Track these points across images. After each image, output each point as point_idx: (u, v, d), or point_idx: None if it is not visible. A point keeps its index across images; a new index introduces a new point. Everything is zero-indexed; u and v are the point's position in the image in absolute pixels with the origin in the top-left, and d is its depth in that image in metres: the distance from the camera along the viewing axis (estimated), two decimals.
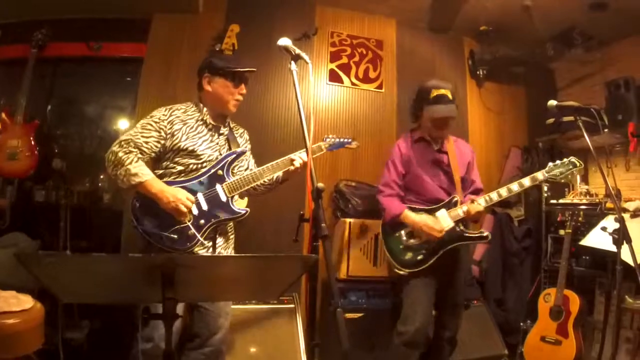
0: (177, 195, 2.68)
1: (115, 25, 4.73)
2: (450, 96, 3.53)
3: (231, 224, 3.06)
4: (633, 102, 4.48)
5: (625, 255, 3.01)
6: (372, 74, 5.30)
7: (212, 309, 2.91)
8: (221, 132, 3.04)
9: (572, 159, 3.50)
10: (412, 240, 3.50)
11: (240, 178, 2.92)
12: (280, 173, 3.08)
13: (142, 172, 2.67)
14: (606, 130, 4.63)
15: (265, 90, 4.84)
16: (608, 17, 4.72)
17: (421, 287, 3.46)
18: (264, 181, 3.06)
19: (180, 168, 2.84)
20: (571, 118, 4.38)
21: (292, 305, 4.12)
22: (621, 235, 3.03)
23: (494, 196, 3.48)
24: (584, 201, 4.85)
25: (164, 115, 2.85)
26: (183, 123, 2.88)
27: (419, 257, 3.46)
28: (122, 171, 2.65)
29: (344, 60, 5.24)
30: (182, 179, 2.83)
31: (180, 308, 2.62)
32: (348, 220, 4.41)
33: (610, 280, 4.11)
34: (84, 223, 4.40)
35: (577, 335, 4.07)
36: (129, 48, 4.71)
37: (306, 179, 2.20)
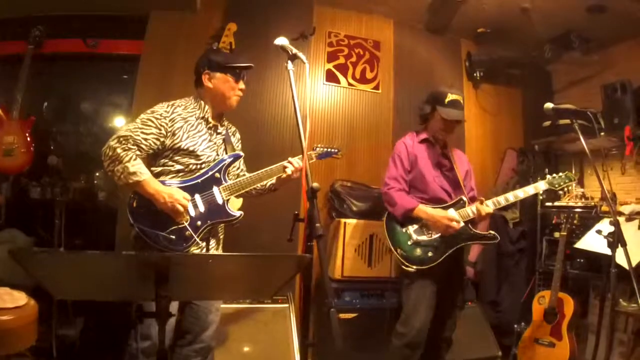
0: (173, 195, 2.67)
1: (113, 23, 4.72)
2: (462, 102, 3.67)
3: (222, 226, 3.06)
4: (629, 105, 4.47)
5: (620, 258, 3.02)
6: (369, 75, 5.30)
7: (203, 305, 2.92)
8: (219, 131, 3.04)
9: (568, 174, 3.71)
10: (421, 237, 3.52)
11: (236, 182, 2.94)
12: (273, 180, 3.11)
13: (140, 171, 2.64)
14: (602, 133, 4.63)
15: (261, 89, 4.84)
16: (606, 20, 4.73)
17: (422, 288, 3.48)
18: (257, 186, 3.09)
19: (179, 167, 2.83)
20: (567, 121, 4.39)
21: (286, 305, 4.12)
22: (616, 239, 3.03)
23: (502, 200, 3.57)
24: (580, 204, 4.86)
25: (165, 112, 2.83)
26: (184, 121, 2.86)
27: (430, 254, 3.48)
28: (120, 168, 2.63)
29: (341, 60, 5.25)
30: (180, 178, 2.83)
31: (174, 306, 2.62)
32: (343, 220, 4.41)
33: (605, 283, 4.12)
34: (79, 220, 4.39)
35: (571, 338, 4.08)
36: (126, 45, 4.70)
37: (301, 179, 2.20)
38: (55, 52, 4.59)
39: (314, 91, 5.08)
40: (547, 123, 5.22)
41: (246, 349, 3.84)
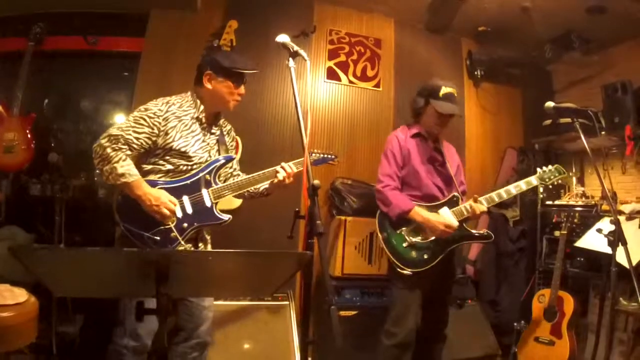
0: (160, 199, 2.65)
1: (113, 20, 4.72)
2: (456, 94, 3.55)
3: (209, 230, 3.03)
4: (630, 105, 4.47)
5: (620, 257, 3.02)
6: (370, 73, 5.30)
7: (196, 302, 2.90)
8: (213, 131, 3.00)
9: (558, 167, 3.65)
10: (416, 239, 3.43)
11: (226, 185, 2.91)
12: (266, 184, 3.05)
13: (129, 173, 2.62)
14: (603, 132, 4.63)
15: (262, 86, 4.85)
16: (606, 21, 4.73)
17: (414, 289, 3.43)
18: (250, 189, 3.06)
19: (169, 167, 2.79)
20: (568, 120, 4.39)
21: (286, 302, 4.13)
22: (617, 237, 3.03)
23: (495, 197, 3.49)
24: (580, 203, 4.86)
25: (159, 110, 2.78)
26: (178, 120, 2.82)
27: (425, 256, 3.41)
28: (109, 168, 2.61)
29: (342, 58, 5.25)
30: (170, 179, 2.79)
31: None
32: (344, 218, 4.42)
33: (605, 282, 4.11)
34: (79, 217, 4.38)
35: (571, 336, 4.08)
36: (126, 43, 4.69)
37: (302, 176, 2.20)
38: (56, 49, 4.58)
39: (315, 89, 5.09)
40: (548, 122, 5.22)
41: (246, 346, 3.84)
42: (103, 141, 2.65)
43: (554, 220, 5.04)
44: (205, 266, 1.87)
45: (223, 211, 4.23)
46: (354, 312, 4.26)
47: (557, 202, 5.05)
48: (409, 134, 3.66)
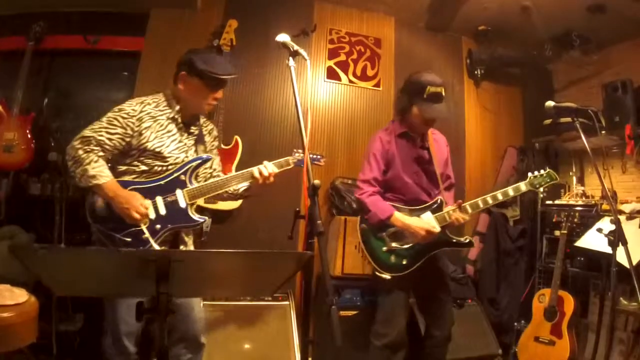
0: (131, 202, 2.60)
1: (113, 19, 4.72)
2: (443, 93, 3.36)
3: (189, 230, 2.97)
4: (630, 104, 4.47)
5: (621, 257, 3.02)
6: (370, 72, 5.30)
7: (185, 302, 2.83)
8: (191, 131, 2.94)
9: (550, 171, 3.48)
10: (396, 244, 3.36)
11: (201, 186, 2.84)
12: (246, 184, 2.97)
13: (99, 175, 2.59)
14: (603, 132, 4.62)
15: (262, 86, 4.85)
16: (606, 20, 4.73)
17: (400, 288, 3.38)
18: (229, 190, 2.97)
19: (144, 168, 2.75)
20: (568, 119, 4.37)
21: (286, 302, 4.13)
22: (617, 237, 3.03)
23: (480, 203, 3.38)
24: (580, 202, 4.86)
25: (133, 110, 2.75)
26: (153, 120, 2.77)
27: (404, 262, 3.35)
28: (80, 171, 2.59)
29: (342, 57, 5.25)
30: (144, 179, 2.75)
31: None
32: (344, 217, 4.41)
33: (605, 282, 4.12)
34: (79, 217, 4.38)
35: (571, 336, 4.08)
36: (126, 42, 4.69)
37: (302, 176, 2.20)
38: (56, 48, 4.58)
39: (315, 88, 5.09)
40: (548, 121, 5.21)
41: (246, 346, 3.84)
42: (75, 143, 2.64)
43: (554, 220, 5.03)
44: (206, 266, 1.87)
45: (223, 211, 4.24)
46: (354, 312, 4.25)
47: (557, 202, 5.05)
48: (394, 133, 3.52)
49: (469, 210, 3.37)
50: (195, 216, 2.82)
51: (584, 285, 4.76)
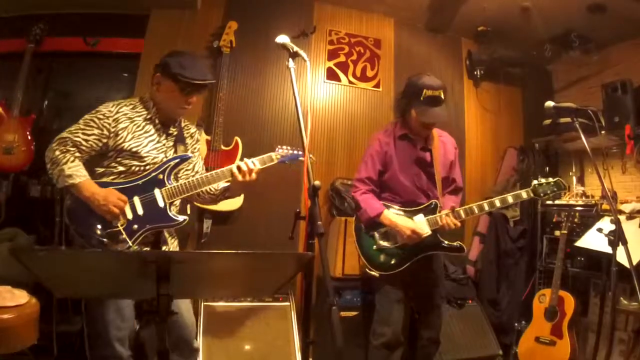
0: (107, 198, 2.57)
1: (113, 21, 4.72)
2: (442, 96, 3.35)
3: (172, 231, 2.93)
4: (630, 104, 4.47)
5: (621, 256, 3.02)
6: (369, 73, 5.31)
7: (174, 307, 2.81)
8: (170, 132, 2.90)
9: (559, 180, 3.45)
10: (386, 243, 3.39)
11: (180, 184, 2.78)
12: (225, 183, 2.93)
13: (76, 174, 2.57)
14: (603, 132, 4.63)
15: (262, 87, 4.85)
16: (606, 20, 4.74)
17: (395, 288, 3.39)
18: (209, 190, 2.95)
19: (121, 169, 2.72)
20: (568, 119, 4.38)
21: (287, 303, 4.13)
22: (617, 237, 3.03)
23: (475, 209, 3.37)
24: (580, 202, 4.86)
25: (109, 111, 2.72)
26: (130, 121, 2.75)
27: (392, 262, 3.36)
28: (57, 171, 2.57)
29: (342, 58, 5.25)
30: (122, 180, 2.71)
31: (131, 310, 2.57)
32: (344, 218, 4.41)
33: (605, 282, 4.11)
34: None
35: (572, 336, 4.07)
36: (126, 43, 4.69)
37: (303, 177, 2.20)
38: (55, 50, 4.58)
39: (315, 89, 5.09)
40: (548, 121, 5.22)
41: (247, 347, 3.84)
42: (53, 145, 2.64)
43: (554, 220, 5.03)
44: (206, 267, 1.87)
45: (224, 212, 4.24)
46: (354, 313, 4.26)
47: (557, 202, 5.05)
48: (395, 134, 3.54)
49: (462, 216, 3.36)
50: (175, 215, 2.78)
51: (584, 285, 4.76)
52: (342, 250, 4.30)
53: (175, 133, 2.93)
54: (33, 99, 4.48)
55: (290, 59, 2.43)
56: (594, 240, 4.13)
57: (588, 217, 4.63)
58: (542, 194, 3.41)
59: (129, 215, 2.65)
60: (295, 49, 2.43)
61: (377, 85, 5.32)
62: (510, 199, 3.39)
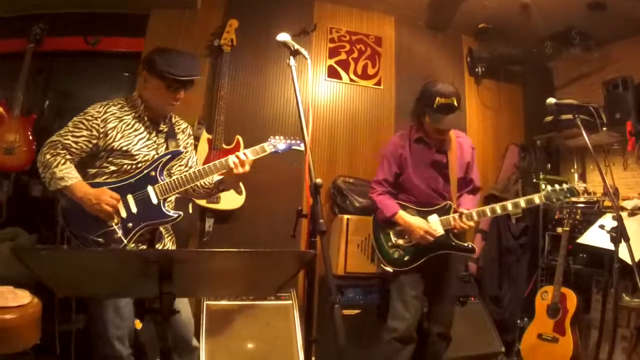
0: (100, 197, 2.56)
1: (113, 20, 4.72)
2: (455, 103, 3.40)
3: (168, 228, 2.93)
4: (631, 101, 4.47)
5: (623, 253, 3.01)
6: (370, 71, 5.30)
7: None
8: (160, 129, 2.90)
9: (572, 186, 3.46)
10: (400, 241, 3.54)
11: (172, 180, 2.78)
12: (219, 177, 2.93)
13: (67, 176, 2.58)
14: (604, 128, 4.62)
15: (263, 85, 4.85)
16: (607, 17, 4.73)
17: (410, 283, 3.49)
18: (204, 184, 2.94)
19: (113, 168, 2.72)
20: (569, 116, 4.38)
21: (289, 302, 4.13)
22: (619, 234, 3.03)
23: (488, 212, 3.48)
24: (582, 199, 4.85)
25: (97, 112, 2.73)
26: (119, 120, 2.76)
27: (406, 258, 3.50)
28: (49, 174, 2.58)
29: (343, 56, 5.25)
30: (114, 179, 2.71)
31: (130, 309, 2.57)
32: (346, 216, 4.41)
33: (607, 279, 4.10)
34: None
35: (574, 333, 4.08)
36: (126, 43, 4.69)
37: (304, 175, 2.19)
38: (56, 50, 4.58)
39: (316, 87, 5.09)
40: (549, 118, 5.22)
41: (250, 345, 3.85)
42: (43, 149, 2.67)
43: (556, 217, 5.02)
44: (208, 265, 1.87)
45: (225, 211, 4.24)
46: (357, 311, 4.26)
47: None
48: (411, 138, 3.65)
49: (475, 218, 3.46)
50: (170, 211, 2.77)
51: (586, 282, 4.74)
52: (344, 248, 4.31)
53: (165, 129, 2.93)
54: (34, 99, 4.48)
55: (291, 57, 2.43)
56: (596, 237, 4.12)
57: (590, 214, 4.62)
58: (554, 200, 3.46)
59: (123, 214, 2.66)
60: (296, 46, 2.43)
61: (378, 83, 5.32)
62: (522, 202, 3.46)
